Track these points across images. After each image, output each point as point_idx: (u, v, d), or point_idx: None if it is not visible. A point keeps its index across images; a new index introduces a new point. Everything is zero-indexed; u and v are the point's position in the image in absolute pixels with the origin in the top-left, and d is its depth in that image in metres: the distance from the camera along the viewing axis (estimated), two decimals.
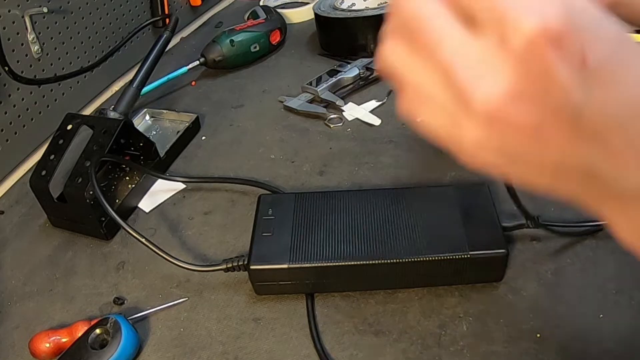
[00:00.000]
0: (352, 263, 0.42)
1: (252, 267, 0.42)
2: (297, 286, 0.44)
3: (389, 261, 0.42)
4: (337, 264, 0.42)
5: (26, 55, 0.62)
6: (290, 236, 0.44)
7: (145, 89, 0.64)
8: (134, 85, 0.60)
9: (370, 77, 0.71)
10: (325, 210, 0.46)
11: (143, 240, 0.45)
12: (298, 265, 0.42)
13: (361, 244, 0.43)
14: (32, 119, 0.64)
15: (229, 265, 0.44)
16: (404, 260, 0.41)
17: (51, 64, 0.66)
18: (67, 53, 0.68)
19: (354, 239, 0.43)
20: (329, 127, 0.64)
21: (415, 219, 0.44)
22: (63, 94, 0.68)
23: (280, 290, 0.44)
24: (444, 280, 0.43)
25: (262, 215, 0.46)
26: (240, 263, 0.44)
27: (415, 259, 0.41)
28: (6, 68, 0.57)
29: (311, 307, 0.43)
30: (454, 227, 0.43)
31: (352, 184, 0.55)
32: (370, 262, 0.42)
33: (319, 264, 0.42)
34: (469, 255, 0.41)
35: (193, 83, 0.77)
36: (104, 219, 0.52)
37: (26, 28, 0.61)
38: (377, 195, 0.47)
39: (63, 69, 0.68)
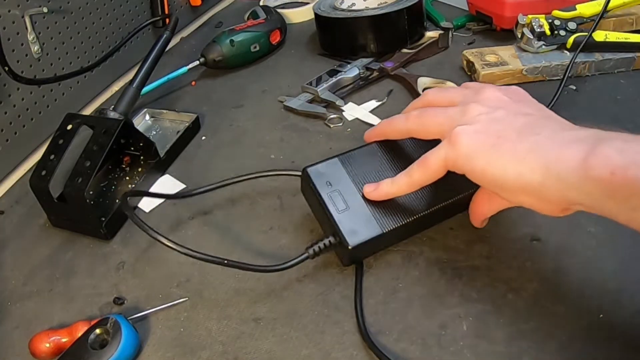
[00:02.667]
0: (437, 207, 0.44)
1: (351, 245, 0.42)
2: (388, 244, 0.46)
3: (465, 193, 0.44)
4: (424, 213, 0.44)
5: (26, 55, 0.62)
6: (366, 204, 0.44)
7: (145, 89, 0.65)
8: (134, 85, 0.60)
9: (370, 77, 0.71)
10: (374, 165, 0.46)
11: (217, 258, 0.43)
12: (391, 228, 0.43)
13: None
14: (32, 119, 0.64)
15: (316, 250, 0.44)
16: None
17: (51, 64, 0.66)
18: (67, 53, 0.68)
19: None
20: (329, 127, 0.64)
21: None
22: (63, 94, 0.68)
23: (371, 252, 0.46)
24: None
25: (325, 191, 0.44)
26: (326, 244, 0.44)
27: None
28: (6, 68, 0.57)
29: (360, 277, 0.44)
30: None
31: None
32: (451, 200, 0.45)
33: (408, 220, 0.44)
34: None
35: (193, 83, 0.77)
36: (104, 218, 0.53)
37: (26, 28, 0.61)
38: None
39: (63, 69, 0.68)
